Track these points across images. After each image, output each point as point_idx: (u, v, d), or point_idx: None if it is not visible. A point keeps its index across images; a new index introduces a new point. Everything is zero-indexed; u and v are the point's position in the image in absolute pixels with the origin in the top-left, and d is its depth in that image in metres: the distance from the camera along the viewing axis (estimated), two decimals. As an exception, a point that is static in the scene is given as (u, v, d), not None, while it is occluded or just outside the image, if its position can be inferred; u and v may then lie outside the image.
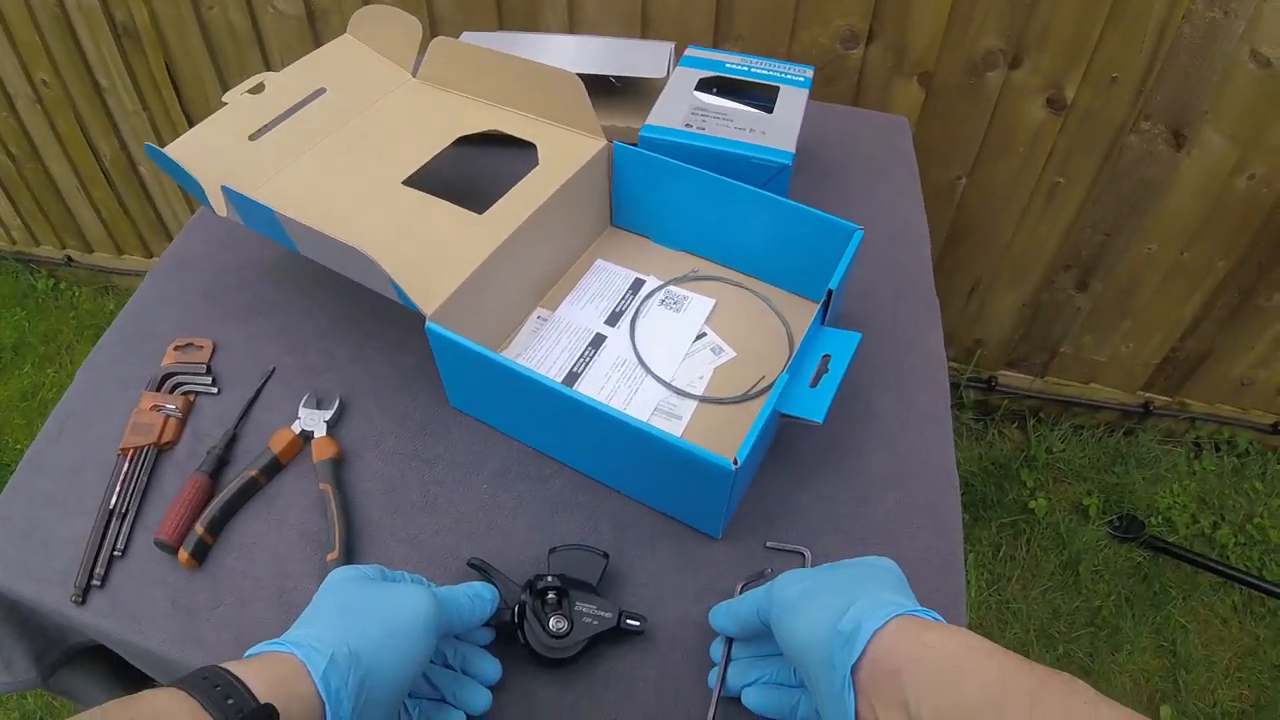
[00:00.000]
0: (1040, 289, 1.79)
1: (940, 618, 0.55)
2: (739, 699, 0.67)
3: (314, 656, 0.55)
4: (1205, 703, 1.67)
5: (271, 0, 1.67)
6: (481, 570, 0.74)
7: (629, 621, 0.72)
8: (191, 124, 1.90)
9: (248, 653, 0.56)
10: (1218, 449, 2.02)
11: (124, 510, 0.82)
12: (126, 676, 0.93)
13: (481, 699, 0.67)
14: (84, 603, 0.77)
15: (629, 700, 0.71)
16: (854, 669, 0.52)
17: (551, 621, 0.69)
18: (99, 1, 1.77)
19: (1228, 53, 1.35)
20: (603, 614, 0.71)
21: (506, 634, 0.71)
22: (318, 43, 1.70)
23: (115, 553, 0.79)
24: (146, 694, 0.49)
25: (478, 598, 0.67)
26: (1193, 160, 1.49)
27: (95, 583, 0.78)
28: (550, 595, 0.70)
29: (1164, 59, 1.38)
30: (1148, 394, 1.96)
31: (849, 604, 0.55)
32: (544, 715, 0.70)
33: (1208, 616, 1.79)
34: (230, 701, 0.49)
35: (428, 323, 0.78)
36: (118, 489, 0.83)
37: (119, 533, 0.80)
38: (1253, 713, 1.66)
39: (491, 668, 0.69)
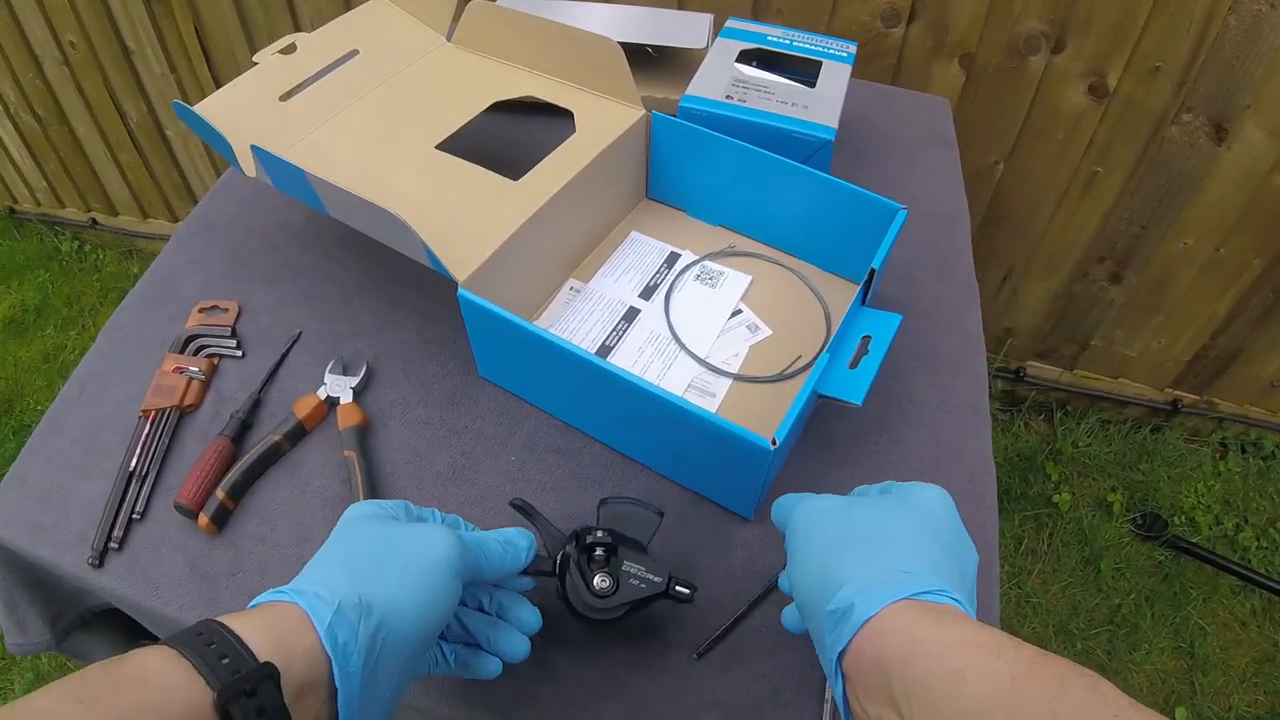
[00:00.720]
0: (1073, 280, 1.76)
1: (960, 599, 0.47)
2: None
3: (319, 606, 0.50)
4: (1221, 706, 1.65)
5: (303, -36, 1.66)
6: (524, 512, 0.69)
7: (679, 589, 0.65)
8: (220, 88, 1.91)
9: (252, 602, 0.52)
10: (1244, 450, 1.99)
11: (144, 472, 0.81)
12: (140, 638, 0.92)
13: (520, 646, 0.62)
14: (101, 566, 0.76)
15: (654, 684, 0.70)
16: (841, 655, 0.48)
17: (596, 579, 0.63)
18: (129, -37, 1.76)
19: (1273, 46, 1.32)
20: (652, 577, 0.64)
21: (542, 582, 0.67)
22: (349, 8, 1.69)
23: (134, 515, 0.78)
24: (136, 653, 0.45)
25: (510, 544, 0.62)
26: (1233, 155, 1.46)
27: (113, 545, 0.77)
28: (599, 552, 0.64)
29: (1208, 50, 1.35)
30: (1176, 391, 1.93)
31: (847, 576, 0.49)
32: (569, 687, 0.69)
33: (1227, 619, 1.77)
34: (225, 661, 0.45)
35: (460, 289, 0.77)
36: (138, 451, 0.82)
37: (138, 495, 0.79)
38: (1268, 718, 1.64)
39: (531, 616, 0.63)
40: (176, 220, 2.39)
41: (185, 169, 2.23)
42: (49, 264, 2.51)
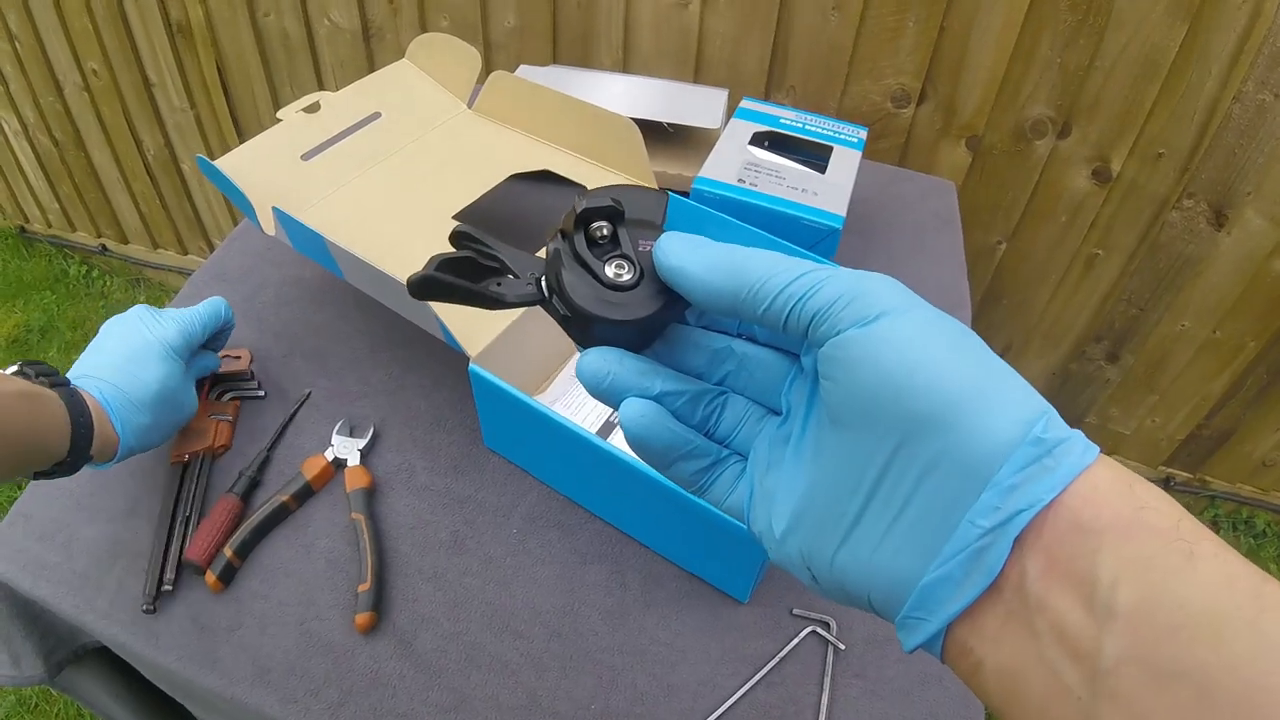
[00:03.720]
0: (1070, 358, 1.78)
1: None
2: None
3: (96, 386, 0.74)
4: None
5: (327, 12, 1.69)
6: (469, 239, 0.44)
7: None
8: (238, 127, 1.94)
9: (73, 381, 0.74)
10: (1235, 528, 2.00)
11: (187, 515, 0.83)
12: (133, 681, 0.93)
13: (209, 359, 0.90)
14: (155, 611, 0.77)
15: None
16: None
17: (609, 269, 0.39)
18: (156, -4, 1.79)
19: (1276, 135, 1.35)
20: None
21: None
22: (371, 58, 1.72)
23: (181, 559, 0.80)
24: (52, 398, 0.68)
25: (206, 309, 0.86)
26: (1232, 240, 1.48)
27: (166, 588, 0.78)
28: (602, 229, 0.41)
29: (1211, 138, 1.38)
30: (1169, 469, 1.95)
31: (1030, 396, 0.32)
32: None
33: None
34: (82, 418, 0.70)
35: (471, 365, 0.78)
36: (177, 495, 0.84)
37: (184, 539, 0.81)
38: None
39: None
40: (186, 253, 2.41)
41: (198, 203, 2.25)
42: (56, 286, 2.52)
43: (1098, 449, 0.31)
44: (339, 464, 0.87)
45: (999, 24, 1.33)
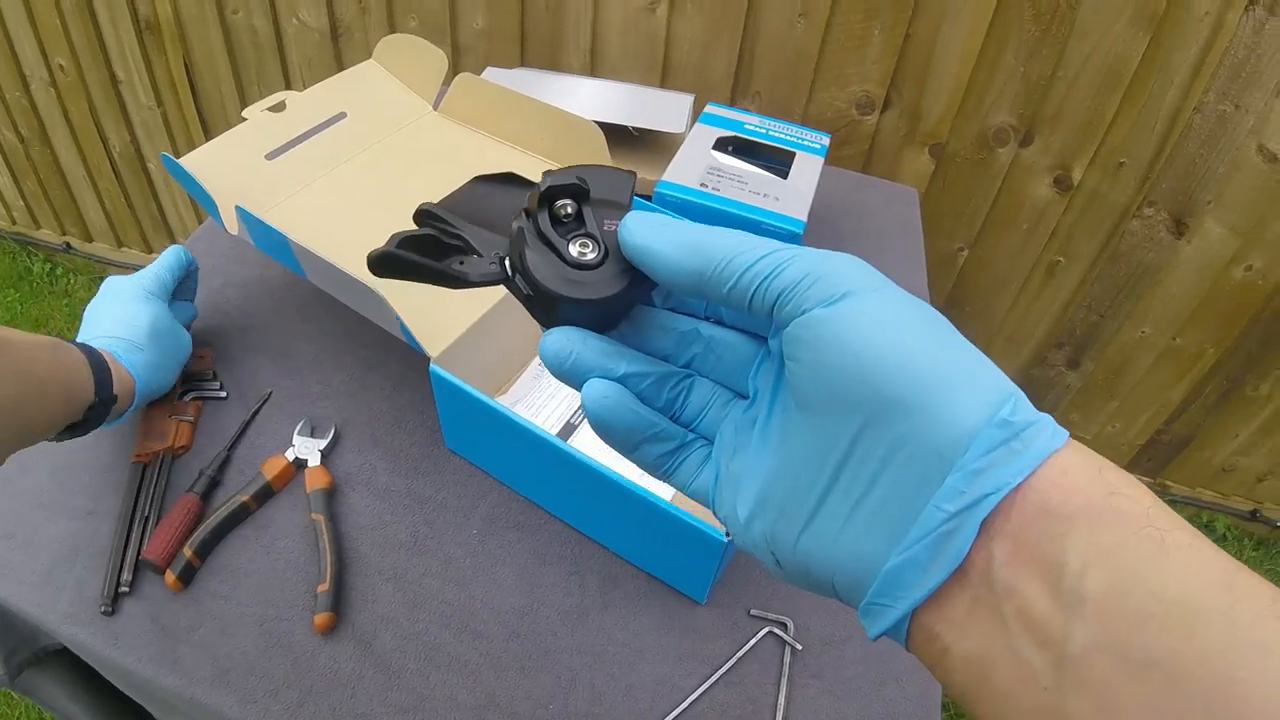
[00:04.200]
0: (1031, 364, 1.80)
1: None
2: None
3: (109, 344, 0.80)
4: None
5: (296, 11, 1.68)
6: (432, 218, 0.43)
7: None
8: (205, 125, 1.93)
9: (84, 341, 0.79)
10: (1195, 533, 2.03)
11: (145, 515, 0.83)
12: (95, 684, 0.92)
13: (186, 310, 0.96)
14: (113, 612, 0.77)
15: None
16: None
17: (573, 248, 0.38)
18: (125, -8, 1.78)
19: (1236, 145, 1.37)
20: None
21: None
22: (339, 57, 1.72)
23: (139, 557, 0.80)
24: (72, 347, 0.73)
25: (169, 257, 0.92)
26: (1192, 248, 1.51)
27: (124, 589, 0.78)
28: (565, 207, 0.39)
29: (1172, 147, 1.40)
30: (1130, 474, 1.97)
31: (998, 379, 0.31)
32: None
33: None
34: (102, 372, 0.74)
35: (432, 365, 0.79)
36: (136, 494, 0.84)
37: (142, 538, 0.81)
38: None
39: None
40: (151, 251, 2.39)
41: (164, 202, 2.24)
42: (19, 284, 2.50)
43: (1067, 433, 0.30)
44: (300, 464, 0.87)
45: (964, 33, 1.35)
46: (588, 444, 0.87)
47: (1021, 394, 0.30)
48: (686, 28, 1.47)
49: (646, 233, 0.36)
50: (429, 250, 0.41)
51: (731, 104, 1.53)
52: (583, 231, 0.39)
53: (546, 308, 0.38)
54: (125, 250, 2.42)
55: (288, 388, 0.95)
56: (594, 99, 1.18)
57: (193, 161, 0.92)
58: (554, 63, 1.59)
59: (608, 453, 0.86)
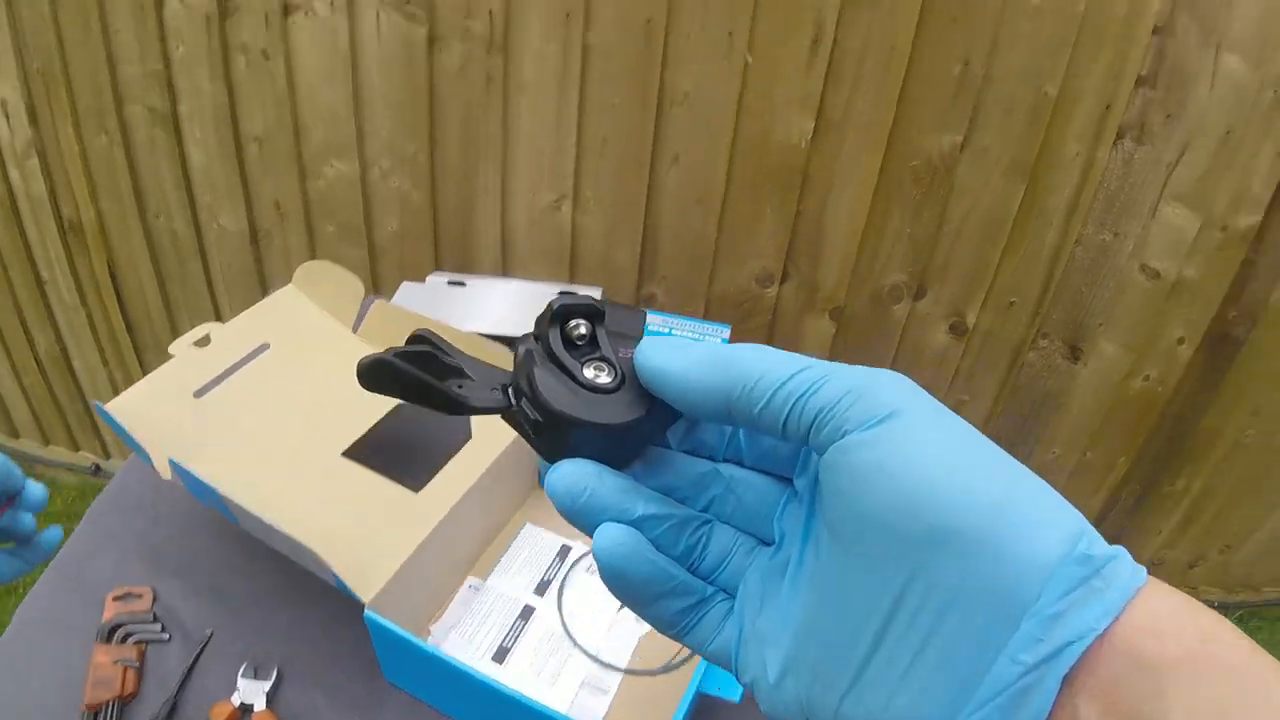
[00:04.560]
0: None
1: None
2: None
3: None
4: None
5: (216, 216, 1.73)
6: (427, 345, 0.37)
7: None
8: (130, 326, 1.95)
9: None
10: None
11: None
12: None
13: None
14: None
15: None
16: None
17: (587, 370, 0.34)
18: (48, 195, 1.80)
19: (1119, 268, 1.44)
20: None
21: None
22: (259, 260, 1.76)
23: None
24: None
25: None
26: (1089, 370, 1.58)
27: None
28: (580, 328, 0.36)
29: (1058, 281, 1.48)
30: (1215, 611, 2.01)
31: (1066, 509, 0.27)
32: None
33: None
34: None
35: (366, 611, 0.82)
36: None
37: None
38: None
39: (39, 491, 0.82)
40: (78, 449, 2.38)
41: (89, 400, 2.23)
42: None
43: (1144, 569, 0.26)
44: (245, 708, 0.88)
45: (850, 203, 1.43)
46: (523, 669, 0.90)
47: (1090, 526, 0.27)
48: (590, 222, 1.53)
49: (666, 354, 0.32)
50: (426, 367, 0.37)
51: (638, 290, 1.59)
52: (597, 355, 0.36)
53: (556, 435, 0.34)
54: (53, 448, 2.40)
55: (230, 626, 0.96)
56: (506, 302, 1.24)
57: (122, 406, 0.94)
58: (467, 261, 1.64)
59: (542, 671, 0.90)
